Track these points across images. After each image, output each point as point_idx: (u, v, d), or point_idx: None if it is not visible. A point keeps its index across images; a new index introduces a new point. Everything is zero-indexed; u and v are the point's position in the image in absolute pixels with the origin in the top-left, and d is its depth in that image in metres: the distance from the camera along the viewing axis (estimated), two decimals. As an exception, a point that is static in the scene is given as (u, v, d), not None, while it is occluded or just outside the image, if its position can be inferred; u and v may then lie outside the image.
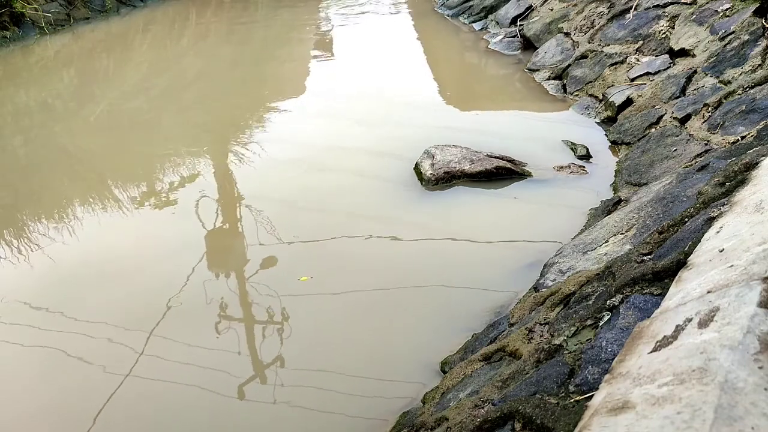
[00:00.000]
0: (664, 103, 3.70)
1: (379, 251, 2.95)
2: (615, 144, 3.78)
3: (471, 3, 8.30)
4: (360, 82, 6.01)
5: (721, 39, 3.70)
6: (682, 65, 3.91)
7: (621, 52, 4.61)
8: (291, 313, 2.58)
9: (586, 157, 3.69)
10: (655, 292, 1.46)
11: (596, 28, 5.17)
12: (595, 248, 2.33)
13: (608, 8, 5.27)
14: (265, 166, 4.13)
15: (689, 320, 1.08)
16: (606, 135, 3.96)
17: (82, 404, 2.16)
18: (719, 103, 3.15)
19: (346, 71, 6.53)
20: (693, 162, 2.78)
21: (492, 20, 7.45)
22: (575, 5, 5.90)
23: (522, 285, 2.52)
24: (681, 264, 1.43)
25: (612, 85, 4.37)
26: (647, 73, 4.15)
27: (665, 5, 4.61)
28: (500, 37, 6.67)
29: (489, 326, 2.28)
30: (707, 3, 4.15)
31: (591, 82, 4.66)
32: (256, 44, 8.25)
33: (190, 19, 9.80)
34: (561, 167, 3.58)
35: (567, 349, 1.51)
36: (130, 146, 4.68)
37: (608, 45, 4.83)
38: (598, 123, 4.20)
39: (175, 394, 2.17)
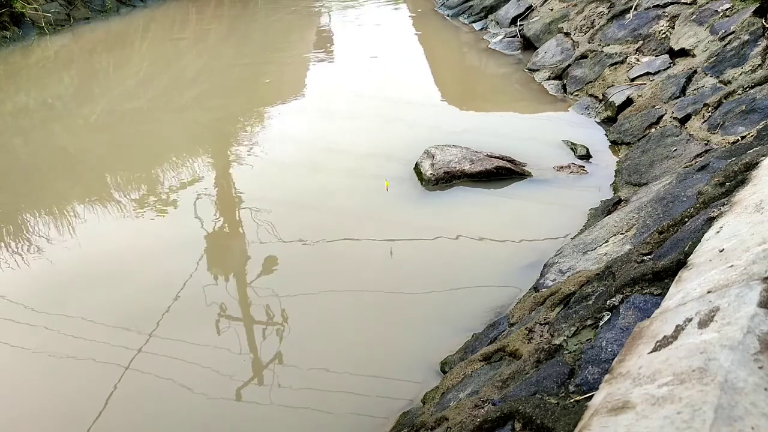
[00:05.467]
0: (664, 103, 3.70)
1: (379, 251, 2.95)
2: (615, 144, 3.78)
3: (471, 3, 8.30)
4: (360, 82, 6.01)
5: (721, 39, 3.70)
6: (682, 65, 3.91)
7: (621, 52, 4.61)
8: (291, 313, 2.58)
9: (586, 157, 3.69)
10: (655, 292, 1.46)
11: (596, 28, 5.17)
12: (595, 248, 2.33)
13: (608, 8, 5.27)
14: (264, 165, 4.13)
15: (689, 320, 1.08)
16: (606, 135, 3.96)
17: (81, 404, 2.16)
18: (719, 103, 3.15)
19: (346, 71, 6.53)
20: (693, 162, 2.78)
21: (492, 20, 7.45)
22: (575, 5, 5.90)
23: (522, 285, 2.52)
24: (681, 264, 1.43)
25: (612, 85, 4.37)
26: (647, 73, 4.15)
27: (665, 5, 4.61)
28: (500, 37, 6.67)
29: (489, 326, 2.28)
30: (707, 3, 4.15)
31: (591, 82, 4.66)
32: (256, 44, 8.25)
33: (190, 18, 9.80)
34: (561, 167, 3.58)
35: (567, 349, 1.51)
36: (130, 146, 4.68)
37: (608, 45, 4.83)
38: (598, 123, 4.20)
39: (175, 394, 2.17)
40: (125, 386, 2.22)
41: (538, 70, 5.48)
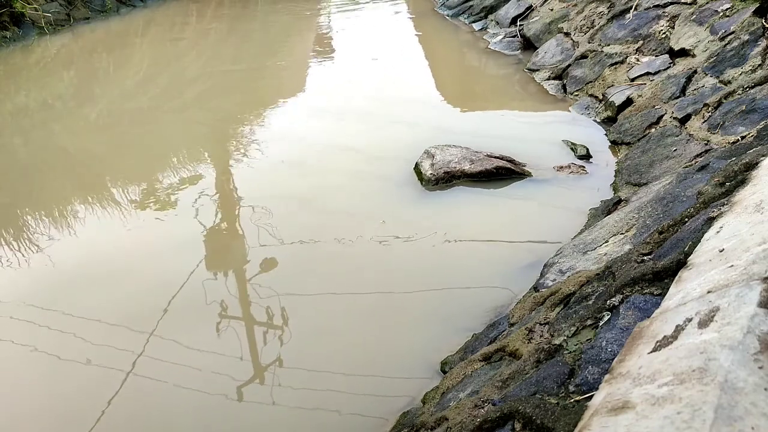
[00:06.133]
0: (664, 103, 3.70)
1: (379, 251, 2.95)
2: (615, 144, 3.78)
3: (471, 3, 8.31)
4: (360, 82, 6.01)
5: (721, 39, 3.70)
6: (682, 65, 3.91)
7: (621, 52, 4.61)
8: (291, 313, 2.58)
9: (586, 157, 3.69)
10: (655, 292, 1.46)
11: (596, 28, 5.17)
12: (595, 248, 2.33)
13: (608, 8, 5.27)
14: (264, 165, 4.13)
15: (689, 320, 1.08)
16: (606, 135, 3.96)
17: (81, 405, 2.16)
18: (719, 103, 3.15)
19: (346, 71, 6.53)
20: (693, 162, 2.78)
21: (492, 20, 7.45)
22: (575, 5, 5.90)
23: (522, 285, 2.52)
24: (681, 264, 1.43)
25: (612, 85, 4.37)
26: (647, 73, 4.15)
27: (665, 5, 4.61)
28: (500, 37, 6.67)
29: (489, 326, 2.28)
30: (707, 3, 4.15)
31: (591, 82, 4.66)
32: (256, 44, 8.25)
33: (190, 18, 9.80)
34: (561, 167, 3.58)
35: (567, 349, 1.51)
36: (130, 146, 4.68)
37: (608, 45, 4.83)
38: (598, 123, 4.20)
39: (176, 395, 2.17)
40: (125, 386, 2.22)
41: (538, 70, 5.48)
